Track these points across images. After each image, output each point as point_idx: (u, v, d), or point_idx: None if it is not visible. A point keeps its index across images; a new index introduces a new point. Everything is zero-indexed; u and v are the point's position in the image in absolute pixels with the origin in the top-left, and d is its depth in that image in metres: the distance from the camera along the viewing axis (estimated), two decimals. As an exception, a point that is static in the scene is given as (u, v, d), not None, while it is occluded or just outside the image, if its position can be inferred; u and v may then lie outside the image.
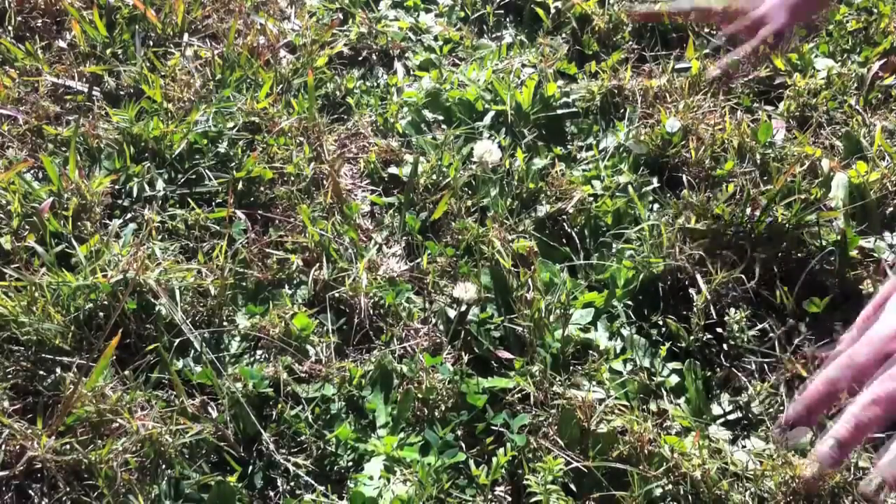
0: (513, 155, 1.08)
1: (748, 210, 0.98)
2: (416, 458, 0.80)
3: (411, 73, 1.27)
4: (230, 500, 0.78)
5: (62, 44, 1.24)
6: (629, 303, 0.95)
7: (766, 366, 0.90)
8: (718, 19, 1.05)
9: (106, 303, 0.89)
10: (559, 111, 1.17)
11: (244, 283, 0.96)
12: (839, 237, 0.99)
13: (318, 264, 0.96)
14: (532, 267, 0.94)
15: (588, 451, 0.81)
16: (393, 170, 1.10)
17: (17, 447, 0.79)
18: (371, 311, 0.94)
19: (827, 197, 1.04)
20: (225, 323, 0.92)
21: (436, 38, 1.32)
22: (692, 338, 0.91)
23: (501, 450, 0.80)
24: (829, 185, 1.05)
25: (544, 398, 0.85)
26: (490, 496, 0.80)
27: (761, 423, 0.85)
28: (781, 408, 0.85)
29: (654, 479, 0.78)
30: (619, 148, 1.12)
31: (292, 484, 0.81)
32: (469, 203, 1.05)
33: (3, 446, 0.79)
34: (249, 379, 0.84)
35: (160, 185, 1.04)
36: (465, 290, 0.91)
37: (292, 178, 1.07)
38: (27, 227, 0.97)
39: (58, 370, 0.85)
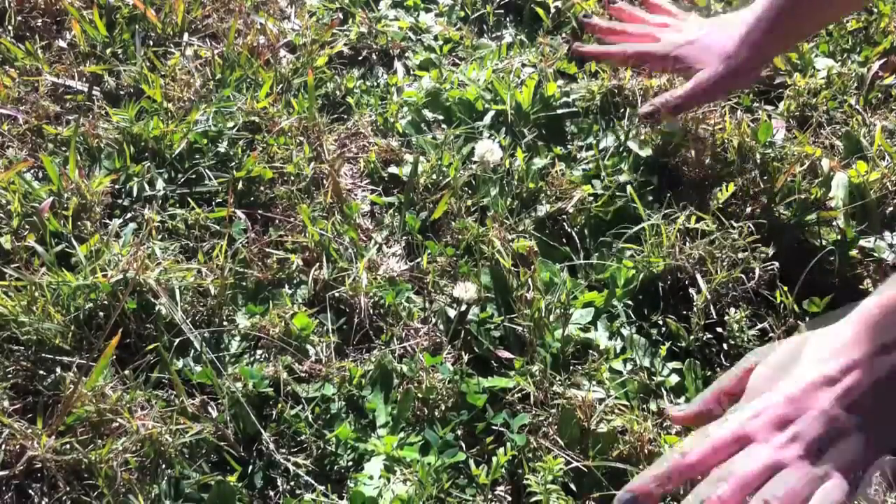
0: (513, 154, 1.08)
1: (748, 210, 0.98)
2: (416, 458, 0.80)
3: (411, 72, 1.27)
4: (230, 500, 0.78)
5: (62, 43, 1.24)
6: (629, 302, 0.95)
7: (766, 365, 0.90)
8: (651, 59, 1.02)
9: (106, 302, 0.89)
10: (559, 111, 1.17)
11: (244, 283, 0.96)
12: (839, 237, 0.99)
13: (318, 264, 0.96)
14: (532, 266, 0.94)
15: (588, 450, 0.81)
16: (393, 169, 1.10)
17: (17, 447, 0.79)
18: (371, 311, 0.94)
19: (827, 197, 1.04)
20: (225, 323, 0.92)
21: (436, 38, 1.32)
22: (692, 337, 0.91)
23: (501, 449, 0.80)
24: (829, 184, 1.05)
25: (544, 398, 0.85)
26: (490, 496, 0.80)
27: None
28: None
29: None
30: (620, 147, 1.12)
31: (292, 483, 0.81)
32: (469, 203, 1.05)
33: (3, 446, 0.79)
34: (249, 379, 0.84)
35: (160, 184, 1.04)
36: (465, 290, 0.91)
37: (292, 178, 1.07)
38: (27, 226, 0.97)
39: (58, 370, 0.85)
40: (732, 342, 0.91)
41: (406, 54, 1.30)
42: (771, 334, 0.91)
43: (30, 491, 0.79)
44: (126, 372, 0.85)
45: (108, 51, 1.23)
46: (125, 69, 1.19)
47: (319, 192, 1.05)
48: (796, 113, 1.18)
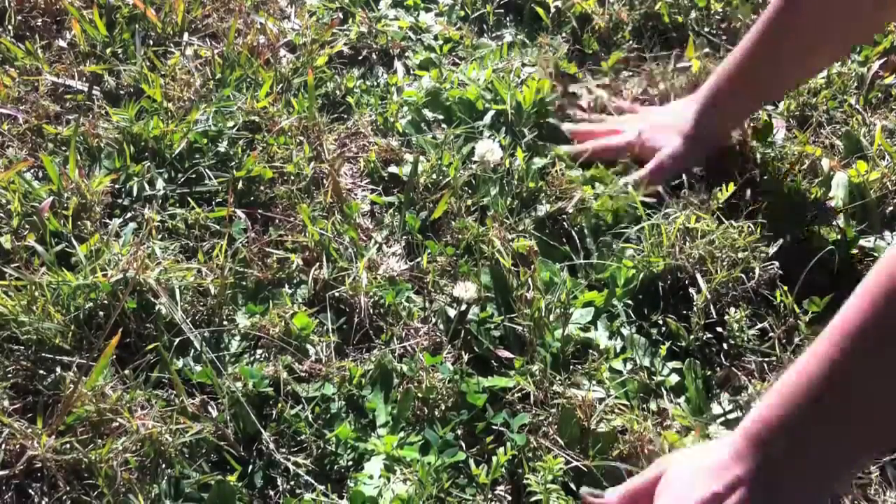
0: (513, 154, 1.08)
1: (748, 209, 0.98)
2: (416, 458, 0.80)
3: (411, 72, 1.27)
4: (230, 500, 0.78)
5: (62, 43, 1.24)
6: (629, 302, 0.95)
7: (765, 365, 0.90)
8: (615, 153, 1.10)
9: (106, 302, 0.89)
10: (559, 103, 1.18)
11: (244, 283, 0.96)
12: (839, 237, 0.99)
13: (318, 263, 0.96)
14: (532, 266, 0.94)
15: (588, 450, 0.81)
16: (393, 169, 1.10)
17: (17, 446, 0.79)
18: (371, 311, 0.94)
19: (827, 196, 1.04)
20: (225, 322, 0.92)
21: (436, 38, 1.32)
22: (692, 337, 0.91)
23: (501, 449, 0.80)
24: (829, 184, 1.05)
25: (544, 397, 0.85)
26: (490, 495, 0.80)
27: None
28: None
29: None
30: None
31: (292, 483, 0.81)
32: (469, 202, 1.05)
33: (4, 445, 0.79)
34: (249, 378, 0.84)
35: (160, 184, 1.04)
36: (465, 290, 0.91)
37: (292, 178, 1.07)
38: (27, 226, 0.97)
39: (58, 369, 0.85)
40: (732, 342, 0.91)
41: (406, 54, 1.30)
42: (771, 334, 0.91)
43: (30, 490, 0.79)
44: (126, 372, 0.85)
45: (108, 50, 1.23)
46: (125, 69, 1.19)
47: (319, 192, 1.05)
48: (796, 112, 1.18)
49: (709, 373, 0.89)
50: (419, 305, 0.96)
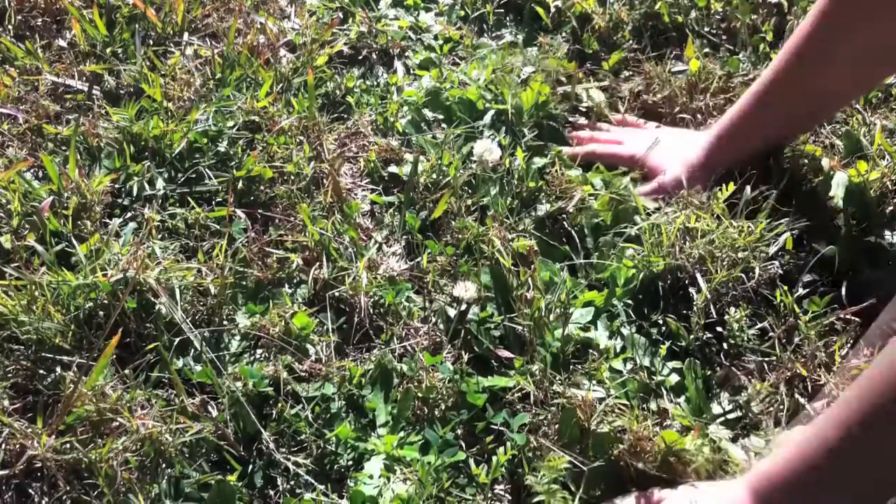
0: (513, 154, 1.08)
1: (749, 209, 0.98)
2: (416, 457, 0.80)
3: (411, 72, 1.27)
4: (230, 499, 0.78)
5: (62, 43, 1.24)
6: (629, 302, 0.95)
7: (765, 365, 0.90)
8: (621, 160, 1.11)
9: (106, 302, 0.89)
10: (559, 110, 1.18)
11: (244, 282, 0.96)
12: (839, 236, 0.99)
13: (318, 263, 0.96)
14: (532, 266, 0.94)
15: (588, 450, 0.81)
16: (393, 169, 1.10)
17: (18, 446, 0.79)
18: (371, 310, 0.94)
19: (827, 196, 1.04)
20: (225, 322, 0.92)
21: (436, 37, 1.32)
22: (692, 337, 0.91)
23: (501, 449, 0.80)
24: (829, 183, 1.05)
25: (544, 397, 0.85)
26: (490, 495, 0.80)
27: (761, 423, 0.85)
28: (782, 407, 0.85)
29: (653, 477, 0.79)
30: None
31: (292, 483, 0.81)
32: (469, 202, 1.05)
33: (4, 445, 0.79)
34: (249, 378, 0.84)
35: (160, 184, 1.04)
36: (465, 289, 0.91)
37: (292, 177, 1.07)
38: (27, 226, 0.97)
39: (58, 369, 0.85)
40: (732, 341, 0.91)
41: (406, 54, 1.30)
42: (771, 334, 0.91)
43: (30, 490, 0.79)
44: (126, 371, 0.85)
45: (108, 50, 1.23)
46: (125, 68, 1.19)
47: (319, 192, 1.05)
48: (796, 112, 1.18)
49: (709, 372, 0.89)
50: (419, 305, 0.96)
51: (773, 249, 0.96)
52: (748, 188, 0.99)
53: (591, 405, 0.82)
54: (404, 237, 1.03)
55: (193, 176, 1.06)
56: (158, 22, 1.25)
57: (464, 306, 0.92)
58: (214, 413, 0.83)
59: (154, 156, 1.07)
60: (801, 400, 0.85)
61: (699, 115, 1.17)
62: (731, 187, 1.00)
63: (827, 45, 0.96)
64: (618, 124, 1.18)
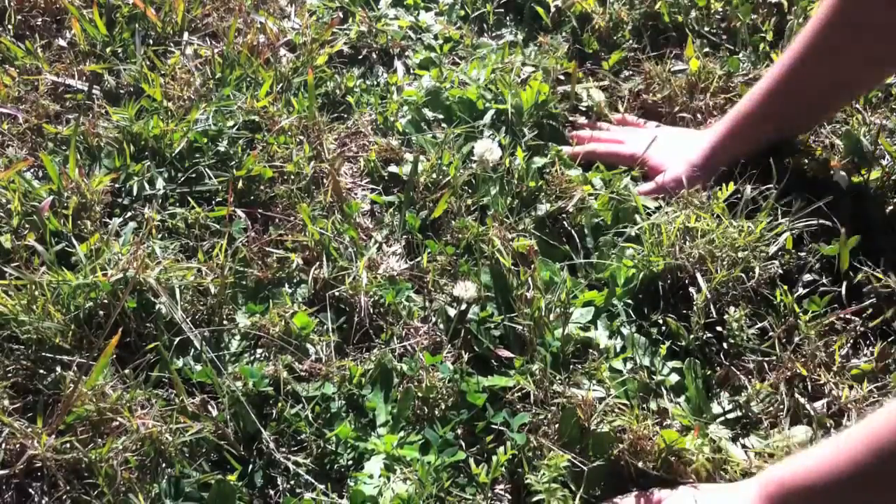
0: (513, 153, 1.08)
1: (749, 209, 0.98)
2: (417, 457, 0.80)
3: (411, 71, 1.27)
4: (230, 499, 0.78)
5: (62, 42, 1.24)
6: (629, 301, 0.95)
7: (765, 364, 0.90)
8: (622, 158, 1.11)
9: (106, 301, 0.89)
10: (559, 110, 1.18)
11: (244, 282, 0.96)
12: (839, 236, 0.99)
13: (318, 263, 0.96)
14: (532, 265, 0.94)
15: (588, 449, 0.81)
16: (393, 168, 1.10)
17: (18, 446, 0.79)
18: (371, 310, 0.94)
19: (827, 196, 1.04)
20: (225, 321, 0.92)
21: (436, 37, 1.32)
22: (692, 336, 0.91)
23: (501, 448, 0.80)
24: (829, 183, 1.05)
25: (544, 397, 0.85)
26: (490, 494, 0.80)
27: (761, 422, 0.85)
28: (782, 407, 0.85)
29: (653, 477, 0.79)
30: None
31: (292, 482, 0.81)
32: (469, 202, 1.05)
33: (4, 445, 0.79)
34: (249, 378, 0.84)
35: (160, 183, 1.04)
36: (465, 289, 0.91)
37: (292, 177, 1.07)
38: (27, 225, 0.97)
39: (58, 369, 0.85)
40: (732, 341, 0.91)
41: (406, 53, 1.30)
42: (770, 333, 0.91)
43: (30, 490, 0.79)
44: (126, 371, 0.85)
45: (108, 50, 1.23)
46: (125, 68, 1.19)
47: (319, 191, 1.05)
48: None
49: (709, 372, 0.89)
50: (419, 305, 0.96)
51: (773, 249, 0.96)
52: (748, 188, 0.99)
53: (591, 405, 0.82)
54: (404, 237, 1.03)
55: (193, 175, 1.06)
56: (158, 21, 1.25)
57: (464, 306, 0.92)
58: (214, 413, 0.83)
59: (154, 155, 1.07)
60: (801, 400, 0.85)
61: (699, 115, 1.17)
62: (731, 187, 1.00)
63: (831, 45, 0.96)
64: (618, 124, 1.18)
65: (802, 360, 0.88)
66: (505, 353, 0.90)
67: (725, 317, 0.91)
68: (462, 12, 1.37)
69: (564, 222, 1.04)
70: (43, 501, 0.78)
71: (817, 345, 0.89)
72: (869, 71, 0.99)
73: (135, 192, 1.03)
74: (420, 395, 0.85)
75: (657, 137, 1.08)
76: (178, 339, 0.88)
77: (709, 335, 0.92)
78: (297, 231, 1.01)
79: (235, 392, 0.83)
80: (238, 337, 0.91)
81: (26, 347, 0.86)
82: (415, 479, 0.78)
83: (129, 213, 1.02)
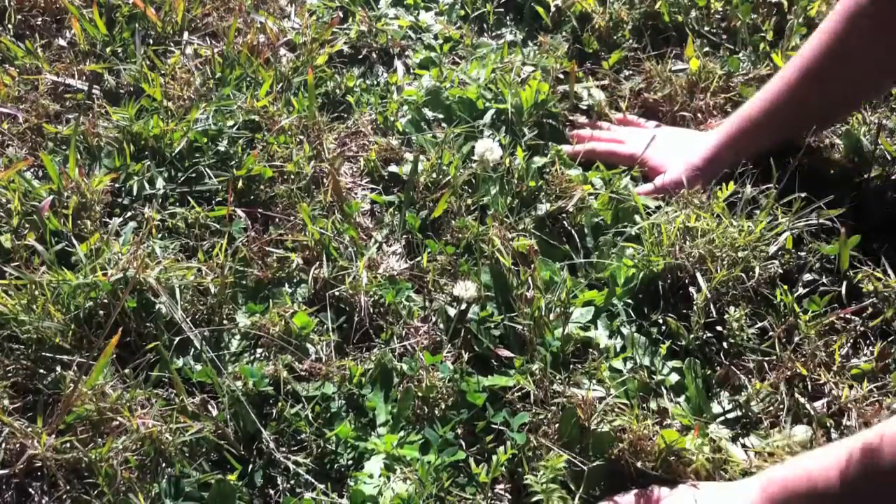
0: (513, 153, 1.08)
1: (748, 208, 0.98)
2: (417, 457, 0.80)
3: (411, 71, 1.27)
4: (230, 499, 0.78)
5: (62, 42, 1.24)
6: (629, 301, 0.95)
7: (765, 364, 0.90)
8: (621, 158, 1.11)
9: (106, 301, 0.89)
10: (559, 109, 1.18)
11: (244, 282, 0.96)
12: (839, 236, 0.99)
13: (318, 263, 0.96)
14: (532, 265, 0.94)
15: (588, 449, 0.81)
16: (393, 168, 1.10)
17: (18, 445, 0.79)
18: (371, 310, 0.94)
19: (827, 195, 1.04)
20: (225, 321, 0.92)
21: (436, 37, 1.32)
22: (692, 336, 0.91)
23: (501, 448, 0.80)
24: (829, 182, 1.05)
25: (544, 396, 0.85)
26: (490, 494, 0.80)
27: (761, 422, 0.85)
28: (781, 406, 0.85)
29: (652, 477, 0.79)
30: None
31: (292, 482, 0.81)
32: (469, 201, 1.05)
33: (4, 445, 0.79)
34: (249, 377, 0.84)
35: (160, 183, 1.04)
36: (466, 289, 0.91)
37: (292, 177, 1.07)
38: (27, 225, 0.97)
39: (58, 368, 0.85)
40: (732, 341, 0.91)
41: (406, 53, 1.30)
42: (770, 333, 0.91)
43: (30, 490, 0.79)
44: (126, 371, 0.85)
45: (108, 49, 1.23)
46: (125, 68, 1.19)
47: (319, 191, 1.05)
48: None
49: (709, 372, 0.89)
50: (419, 304, 0.96)
51: (773, 249, 0.95)
52: (748, 187, 0.99)
53: (591, 404, 0.82)
54: (404, 236, 1.03)
55: (193, 175, 1.06)
56: (158, 21, 1.25)
57: (464, 305, 0.92)
58: (214, 412, 0.83)
59: (154, 155, 1.07)
60: (801, 399, 0.85)
61: (700, 114, 1.17)
62: (731, 187, 1.00)
63: (839, 54, 0.96)
64: (618, 123, 1.18)
65: (802, 359, 0.88)
66: (505, 353, 0.90)
67: (725, 316, 0.91)
68: (462, 12, 1.37)
69: (564, 222, 1.04)
70: (43, 501, 0.78)
71: (817, 344, 0.89)
72: (883, 82, 1.00)
73: (135, 192, 1.03)
74: (420, 394, 0.85)
75: (657, 137, 1.08)
76: (178, 339, 0.88)
77: (709, 335, 0.92)
78: (297, 231, 1.01)
79: (235, 392, 0.83)
80: (238, 337, 0.91)
81: (26, 347, 0.86)
82: (415, 478, 0.78)
83: (129, 213, 1.02)
